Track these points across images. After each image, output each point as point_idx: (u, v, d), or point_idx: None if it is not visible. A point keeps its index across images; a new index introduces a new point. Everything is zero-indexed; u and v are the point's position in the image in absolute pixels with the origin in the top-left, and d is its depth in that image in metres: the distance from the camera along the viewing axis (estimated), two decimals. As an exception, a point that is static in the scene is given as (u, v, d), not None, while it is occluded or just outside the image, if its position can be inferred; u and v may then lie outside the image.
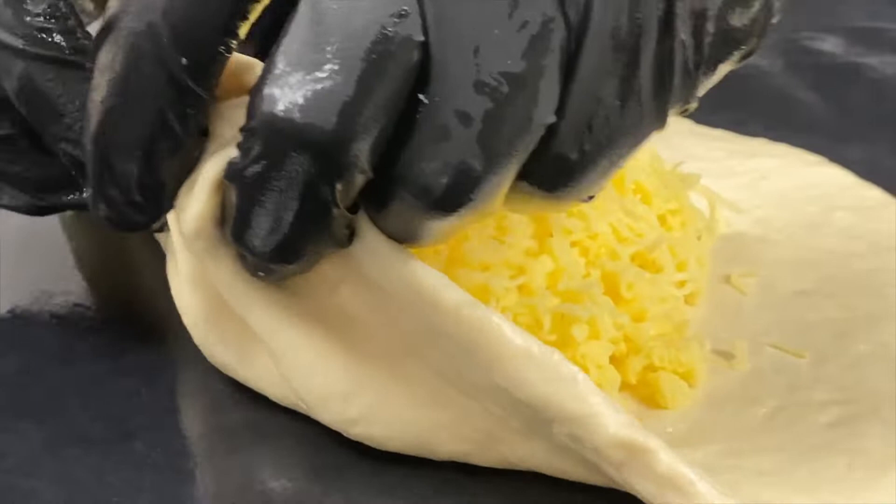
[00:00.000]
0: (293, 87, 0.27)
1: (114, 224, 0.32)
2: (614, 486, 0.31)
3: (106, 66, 0.30)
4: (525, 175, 0.29)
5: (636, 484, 0.29)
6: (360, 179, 0.28)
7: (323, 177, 0.28)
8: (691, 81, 0.30)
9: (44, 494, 0.32)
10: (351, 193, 0.29)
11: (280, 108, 0.27)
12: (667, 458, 0.29)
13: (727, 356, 0.37)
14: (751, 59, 0.35)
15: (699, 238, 0.43)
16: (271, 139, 0.28)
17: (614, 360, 0.35)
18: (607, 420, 0.29)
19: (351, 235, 0.30)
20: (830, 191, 0.47)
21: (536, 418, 0.30)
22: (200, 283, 0.34)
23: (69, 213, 0.42)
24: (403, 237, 0.30)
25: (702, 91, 0.31)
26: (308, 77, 0.27)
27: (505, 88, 0.27)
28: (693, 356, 0.35)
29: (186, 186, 0.31)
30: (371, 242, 0.30)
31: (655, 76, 0.29)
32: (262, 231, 0.29)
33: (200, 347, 0.36)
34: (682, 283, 0.39)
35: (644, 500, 0.29)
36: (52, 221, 0.44)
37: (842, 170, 0.49)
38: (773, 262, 0.43)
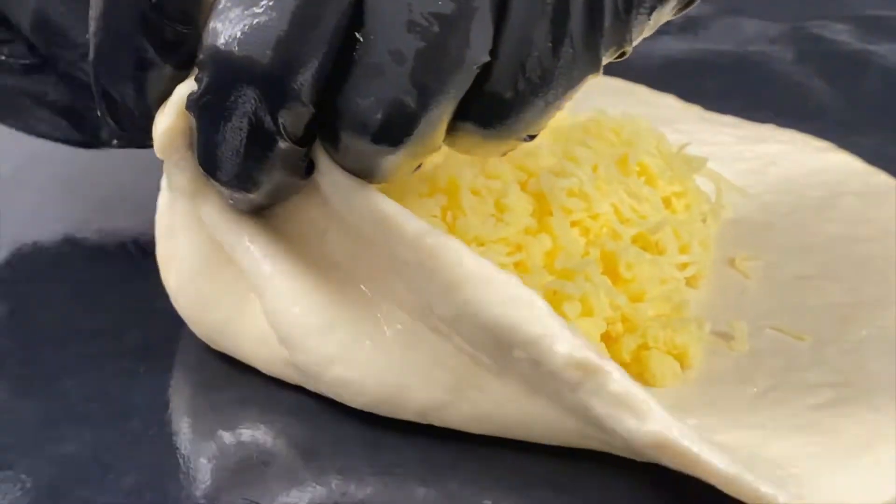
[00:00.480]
0: (233, 22, 0.29)
1: (121, 144, 0.34)
2: (580, 443, 0.31)
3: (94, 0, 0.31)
4: (464, 114, 0.30)
5: (590, 404, 0.29)
6: (303, 112, 0.29)
7: (264, 108, 0.29)
8: (623, 25, 0.30)
9: (40, 472, 0.32)
10: (297, 126, 0.30)
11: (221, 41, 0.29)
12: (620, 378, 0.29)
13: (726, 338, 0.37)
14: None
15: (704, 221, 0.42)
16: (216, 71, 0.29)
17: (609, 338, 0.35)
18: (563, 341, 0.29)
19: (311, 168, 0.31)
20: (838, 177, 0.47)
21: (499, 346, 0.30)
22: (196, 232, 0.35)
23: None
24: (360, 172, 0.31)
25: (636, 36, 0.31)
26: (246, 12, 0.29)
27: (436, 28, 0.28)
28: (689, 337, 0.35)
29: (162, 107, 0.32)
30: (331, 175, 0.31)
31: (586, 19, 0.29)
32: (219, 159, 0.31)
33: (189, 316, 0.36)
34: (684, 266, 0.39)
35: (599, 423, 0.29)
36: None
37: (850, 156, 0.49)
38: (778, 247, 0.42)
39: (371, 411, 0.33)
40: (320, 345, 0.33)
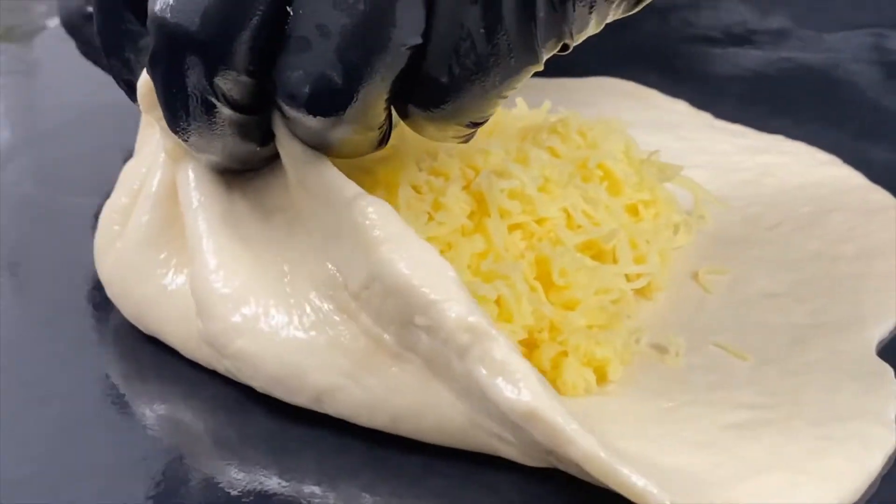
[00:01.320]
0: None
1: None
2: (468, 437, 0.31)
3: None
4: (407, 95, 0.31)
5: (475, 373, 0.29)
6: (241, 81, 0.30)
7: (201, 74, 0.30)
8: (559, 17, 0.30)
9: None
10: (239, 94, 0.31)
11: (157, 7, 0.30)
12: (505, 346, 0.29)
13: (663, 351, 0.35)
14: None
15: (676, 232, 0.41)
16: (158, 36, 0.30)
17: (531, 344, 0.34)
18: (458, 305, 0.29)
19: (267, 136, 0.33)
20: (833, 192, 0.45)
21: (403, 314, 0.30)
22: (168, 196, 0.36)
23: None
24: (313, 144, 0.32)
25: (579, 30, 0.31)
26: None
27: (361, 6, 0.29)
28: (609, 350, 0.34)
29: None
30: (288, 146, 0.32)
31: (518, 7, 0.29)
32: (176, 120, 0.32)
33: (117, 292, 0.37)
34: (635, 276, 0.37)
35: (483, 394, 0.29)
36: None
37: (853, 170, 0.46)
38: (752, 261, 0.41)
39: (268, 393, 0.33)
40: (229, 314, 0.33)
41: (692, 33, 0.63)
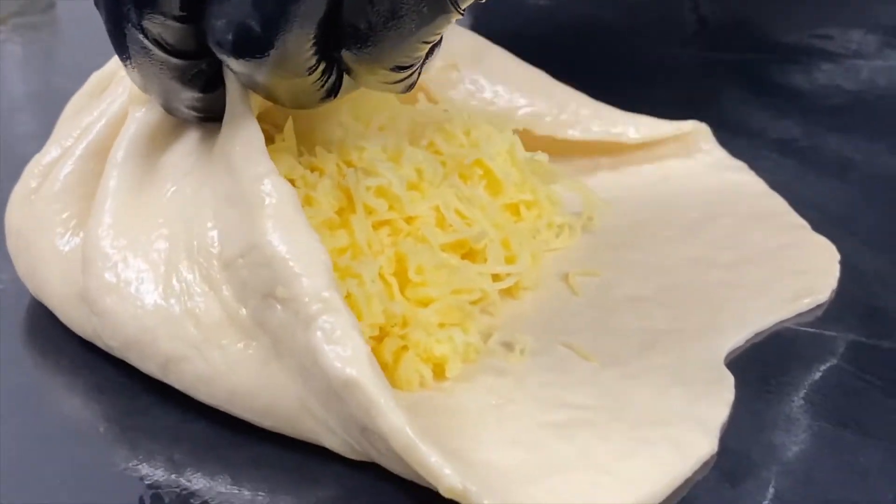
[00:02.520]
0: None
1: None
2: (297, 422, 0.32)
3: None
4: (336, 42, 0.32)
5: (313, 338, 0.30)
6: (170, 26, 0.32)
7: (133, 16, 0.32)
8: None
9: None
10: (172, 38, 0.33)
11: None
12: (349, 324, 0.30)
13: (510, 349, 0.37)
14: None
15: (558, 235, 0.42)
16: None
17: (379, 338, 0.35)
18: (318, 279, 0.31)
19: (211, 85, 0.34)
20: (727, 197, 0.46)
21: (266, 285, 0.31)
22: (98, 152, 0.38)
23: None
24: (249, 86, 0.34)
25: None
26: None
27: None
28: (449, 347, 0.35)
29: None
30: (230, 89, 0.34)
31: None
32: (120, 55, 0.34)
33: (14, 249, 0.39)
34: (501, 277, 0.39)
35: (314, 361, 0.30)
36: None
37: (755, 177, 0.47)
38: (627, 265, 0.42)
39: (124, 357, 0.35)
40: (104, 272, 0.34)
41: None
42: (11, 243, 0.39)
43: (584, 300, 0.40)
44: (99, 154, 0.37)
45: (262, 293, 0.32)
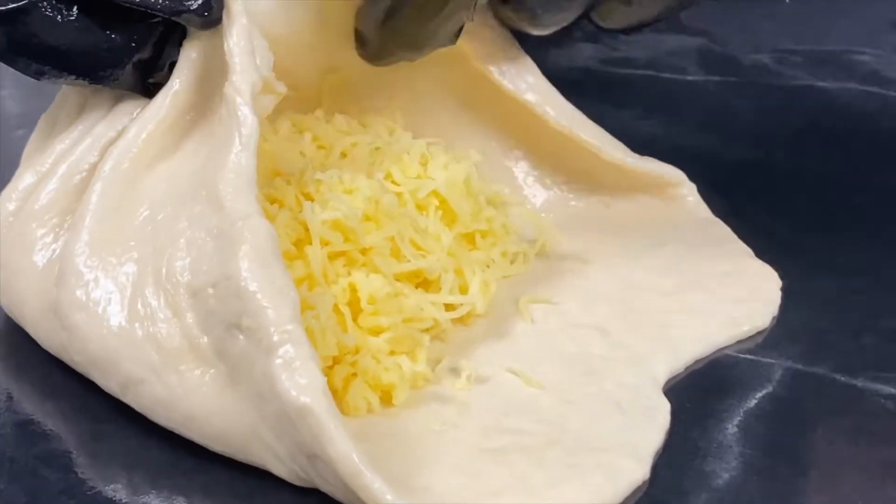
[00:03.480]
0: None
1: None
2: (248, 448, 0.33)
3: None
4: None
5: (272, 365, 0.31)
6: None
7: None
8: None
9: None
10: None
11: None
12: (308, 356, 0.31)
13: (457, 375, 0.38)
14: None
15: (512, 262, 0.43)
16: None
17: (327, 366, 0.36)
18: (283, 312, 0.32)
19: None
20: (674, 223, 0.46)
21: (232, 316, 0.32)
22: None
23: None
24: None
25: None
26: None
27: None
28: (395, 375, 0.36)
29: None
30: (239, 111, 0.35)
31: None
32: None
33: None
34: (454, 305, 0.40)
35: (269, 387, 0.31)
36: None
37: (701, 204, 0.48)
38: (575, 291, 0.43)
39: (83, 373, 0.36)
40: (76, 289, 0.35)
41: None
42: None
43: (532, 326, 0.41)
44: (82, 173, 0.38)
45: (227, 323, 0.32)
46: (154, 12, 0.36)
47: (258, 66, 0.35)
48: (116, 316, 0.35)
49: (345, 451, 0.30)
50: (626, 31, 0.39)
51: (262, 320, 0.31)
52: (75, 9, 0.36)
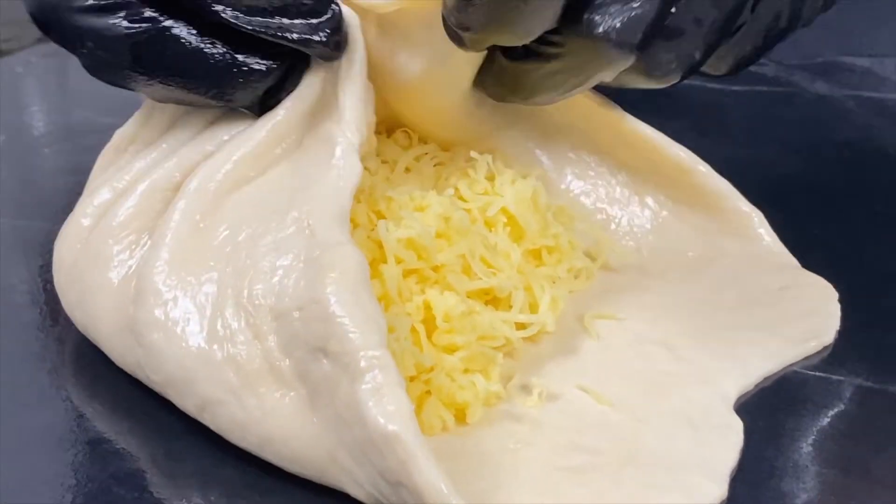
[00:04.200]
0: None
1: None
2: (325, 471, 0.33)
3: None
4: None
5: (358, 391, 0.31)
6: None
7: None
8: None
9: None
10: None
11: None
12: (396, 382, 0.31)
13: (528, 392, 0.37)
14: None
15: (576, 277, 0.43)
16: None
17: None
18: (370, 338, 0.31)
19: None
20: (718, 237, 0.46)
21: (318, 340, 0.32)
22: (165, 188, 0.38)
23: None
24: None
25: None
26: None
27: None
28: (470, 394, 0.36)
29: None
30: (342, 140, 0.37)
31: None
32: None
33: (62, 284, 0.40)
34: (523, 325, 0.39)
35: (354, 412, 0.31)
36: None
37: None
38: (637, 307, 0.42)
39: (161, 392, 0.36)
40: (154, 308, 0.35)
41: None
42: (62, 278, 0.40)
43: (597, 343, 0.41)
44: (164, 191, 0.38)
45: (311, 346, 0.32)
46: (286, 43, 0.36)
47: (367, 113, 0.36)
48: (195, 336, 0.34)
49: (433, 480, 0.30)
50: (733, 71, 0.38)
51: (348, 345, 0.31)
52: (208, 34, 0.36)
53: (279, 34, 0.35)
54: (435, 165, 0.44)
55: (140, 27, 0.36)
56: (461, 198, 0.41)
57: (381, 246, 0.38)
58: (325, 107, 0.37)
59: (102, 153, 0.42)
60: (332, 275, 0.32)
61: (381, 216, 0.39)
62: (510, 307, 0.40)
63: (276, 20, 0.35)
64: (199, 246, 0.36)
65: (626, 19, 0.34)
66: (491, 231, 0.41)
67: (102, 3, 0.36)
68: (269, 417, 0.33)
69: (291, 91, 0.37)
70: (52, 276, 0.41)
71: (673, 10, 0.34)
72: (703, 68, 0.36)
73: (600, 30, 0.34)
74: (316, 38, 0.36)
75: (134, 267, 0.37)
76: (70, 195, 0.43)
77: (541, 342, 0.40)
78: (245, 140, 0.37)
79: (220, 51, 0.36)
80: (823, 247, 0.47)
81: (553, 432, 0.36)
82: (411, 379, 0.36)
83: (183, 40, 0.36)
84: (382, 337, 0.31)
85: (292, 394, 0.33)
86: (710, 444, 0.35)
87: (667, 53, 0.35)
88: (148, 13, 0.36)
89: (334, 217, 0.34)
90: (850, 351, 0.40)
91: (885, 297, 0.44)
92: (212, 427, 0.35)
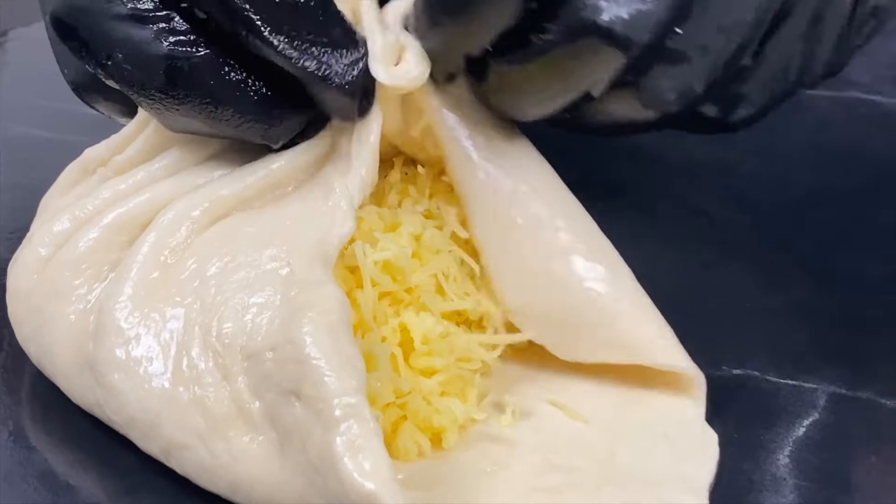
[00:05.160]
0: None
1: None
2: None
3: None
4: None
5: (333, 443, 0.29)
6: None
7: None
8: None
9: None
10: None
11: None
12: (372, 433, 0.29)
13: (501, 411, 0.37)
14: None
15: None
16: None
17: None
18: (346, 384, 0.29)
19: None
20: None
21: (292, 382, 0.30)
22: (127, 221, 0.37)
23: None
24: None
25: None
26: None
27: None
28: (447, 419, 0.35)
29: None
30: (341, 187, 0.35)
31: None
32: None
33: (17, 315, 0.38)
34: (494, 346, 0.38)
35: (330, 466, 0.29)
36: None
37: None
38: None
39: (123, 432, 0.34)
40: (116, 347, 0.33)
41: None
42: (16, 308, 0.37)
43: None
44: (129, 225, 0.36)
45: (284, 388, 0.30)
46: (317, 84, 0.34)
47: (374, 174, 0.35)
48: (159, 377, 0.32)
49: None
50: (754, 118, 0.37)
51: (323, 390, 0.29)
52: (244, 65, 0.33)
53: (318, 74, 0.33)
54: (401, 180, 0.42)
55: (184, 50, 0.33)
56: (431, 215, 0.40)
57: (353, 271, 0.37)
58: (330, 155, 0.36)
59: (68, 169, 0.40)
60: (309, 314, 0.30)
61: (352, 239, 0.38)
62: (482, 328, 0.39)
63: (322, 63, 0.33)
64: (165, 280, 0.34)
65: (635, 12, 0.31)
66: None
67: (143, 12, 0.33)
68: (237, 462, 0.31)
69: (311, 136, 0.36)
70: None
71: (678, 30, 0.32)
72: (706, 111, 0.35)
73: (604, 17, 0.31)
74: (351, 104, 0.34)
75: (93, 301, 0.35)
76: (15, 212, 0.41)
77: (510, 357, 0.39)
78: (235, 180, 0.35)
79: (260, 84, 0.34)
80: (792, 251, 0.46)
81: (528, 452, 0.35)
82: (388, 405, 0.35)
83: (225, 70, 0.33)
84: (360, 382, 0.30)
85: (261, 438, 0.31)
86: (687, 458, 0.34)
87: (667, 80, 0.33)
88: (190, 35, 0.33)
89: (317, 260, 0.32)
90: (820, 358, 0.40)
91: (853, 302, 0.43)
92: (178, 471, 0.33)
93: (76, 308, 0.36)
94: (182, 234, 0.35)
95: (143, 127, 0.39)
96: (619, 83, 0.33)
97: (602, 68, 0.33)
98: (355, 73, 0.34)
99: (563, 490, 0.33)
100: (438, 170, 0.41)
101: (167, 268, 0.34)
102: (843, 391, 0.38)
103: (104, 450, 0.35)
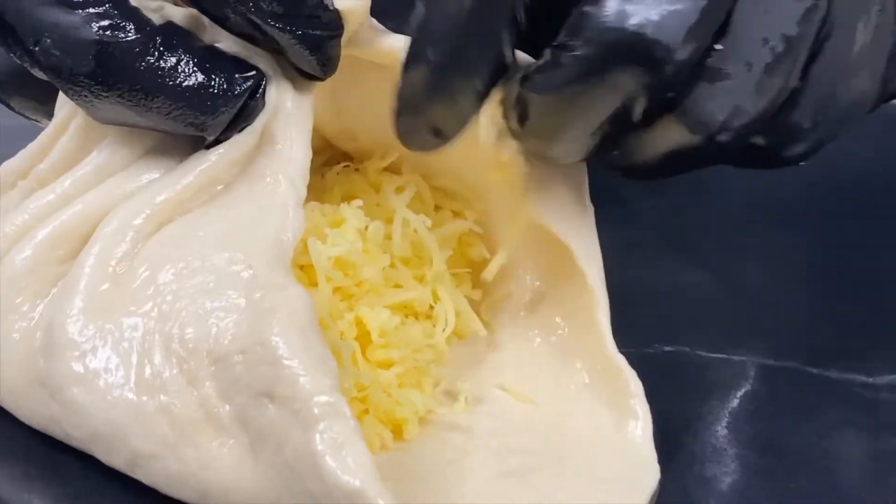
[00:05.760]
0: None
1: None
2: None
3: None
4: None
5: (313, 442, 0.29)
6: None
7: None
8: None
9: None
10: None
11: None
12: (352, 430, 0.29)
13: (455, 398, 0.37)
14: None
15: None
16: None
17: None
18: (322, 383, 0.29)
19: None
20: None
21: (265, 383, 0.30)
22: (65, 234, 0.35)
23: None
24: None
25: None
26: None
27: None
28: (408, 410, 0.36)
29: None
30: (291, 174, 0.34)
31: None
32: None
33: None
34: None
35: (311, 465, 0.29)
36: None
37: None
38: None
39: (84, 449, 0.33)
40: (72, 361, 0.32)
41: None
42: None
43: (502, 336, 0.40)
44: (65, 238, 0.34)
45: (255, 391, 0.30)
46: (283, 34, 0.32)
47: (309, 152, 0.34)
48: (121, 388, 0.31)
49: None
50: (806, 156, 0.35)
51: (299, 390, 0.29)
52: (184, 49, 0.32)
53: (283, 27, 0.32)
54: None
55: (114, 35, 0.31)
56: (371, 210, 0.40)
57: (303, 268, 0.37)
58: (262, 146, 0.34)
59: None
60: (278, 316, 0.30)
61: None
62: (429, 318, 0.39)
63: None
64: (117, 291, 0.33)
65: (665, 13, 0.29)
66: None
67: None
68: (207, 469, 0.31)
69: (246, 127, 0.34)
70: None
71: (719, 46, 0.30)
72: (756, 141, 0.33)
73: (633, 21, 0.30)
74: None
75: (37, 318, 0.34)
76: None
77: (456, 344, 0.40)
78: (170, 184, 0.34)
79: (192, 69, 0.32)
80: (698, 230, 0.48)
81: (486, 438, 0.36)
82: (352, 399, 0.35)
83: (156, 56, 0.32)
84: (334, 380, 0.29)
85: (232, 442, 0.31)
86: (629, 430, 0.35)
87: (713, 100, 0.31)
88: (120, 20, 0.32)
89: (277, 260, 0.32)
90: (745, 331, 0.42)
91: (765, 275, 0.45)
92: (145, 481, 0.32)
93: (20, 326, 0.34)
94: (128, 244, 0.34)
95: (60, 133, 0.37)
96: (663, 107, 0.32)
97: (634, 81, 0.30)
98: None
99: (524, 473, 0.34)
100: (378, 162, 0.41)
101: (117, 278, 0.33)
102: (771, 362, 0.40)
103: (51, 458, 0.34)
